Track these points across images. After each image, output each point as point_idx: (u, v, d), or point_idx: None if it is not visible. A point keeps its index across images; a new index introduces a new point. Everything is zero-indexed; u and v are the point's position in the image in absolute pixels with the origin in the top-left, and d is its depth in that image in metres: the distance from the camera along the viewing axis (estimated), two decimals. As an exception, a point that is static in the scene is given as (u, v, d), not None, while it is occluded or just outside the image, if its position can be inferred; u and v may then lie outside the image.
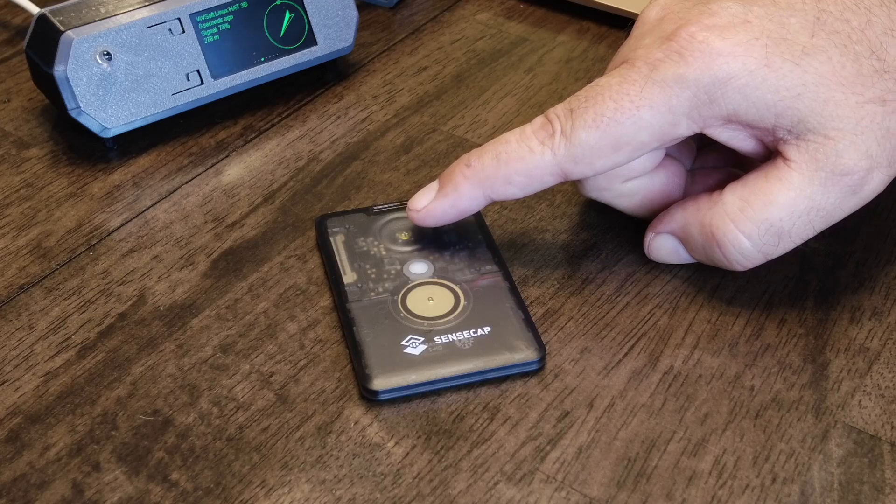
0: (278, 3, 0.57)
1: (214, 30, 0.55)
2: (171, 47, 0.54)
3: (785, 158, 0.43)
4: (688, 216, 0.46)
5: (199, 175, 0.54)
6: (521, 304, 0.45)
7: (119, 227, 0.51)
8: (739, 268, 0.45)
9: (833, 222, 0.44)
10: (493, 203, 0.52)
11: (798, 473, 0.40)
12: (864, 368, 0.44)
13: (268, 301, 0.47)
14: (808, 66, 0.42)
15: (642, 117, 0.43)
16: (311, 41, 0.58)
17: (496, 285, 0.46)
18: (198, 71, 0.55)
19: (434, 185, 0.47)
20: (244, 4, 0.56)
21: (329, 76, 0.61)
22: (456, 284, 0.47)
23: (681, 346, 0.45)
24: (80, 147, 0.56)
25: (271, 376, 0.44)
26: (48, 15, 0.53)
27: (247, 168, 0.55)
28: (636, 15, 0.64)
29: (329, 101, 0.59)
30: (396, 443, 0.41)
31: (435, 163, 0.55)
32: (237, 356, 0.45)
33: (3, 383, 0.44)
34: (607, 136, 0.43)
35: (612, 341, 0.45)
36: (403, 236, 0.49)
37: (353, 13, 0.59)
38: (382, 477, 0.40)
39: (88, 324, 0.46)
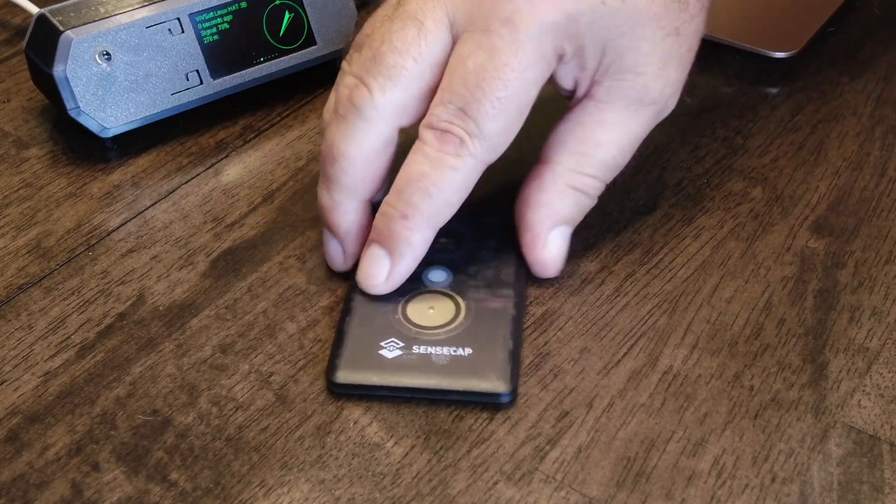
0: (277, 3, 0.57)
1: (214, 30, 0.55)
2: (170, 47, 0.54)
3: (598, 101, 0.46)
4: (552, 198, 0.47)
5: (198, 175, 0.54)
6: (516, 336, 0.44)
7: (118, 227, 0.51)
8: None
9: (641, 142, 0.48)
10: (492, 204, 0.52)
11: (797, 473, 0.40)
12: (864, 368, 0.44)
13: (267, 301, 0.47)
14: (629, 4, 0.44)
15: (527, 78, 0.43)
16: (311, 41, 0.58)
17: (503, 311, 0.45)
18: (197, 71, 0.55)
19: (377, 252, 0.45)
20: (243, 4, 0.56)
21: (328, 76, 0.61)
22: (464, 300, 0.46)
23: (680, 346, 0.45)
24: (80, 147, 0.56)
25: (271, 376, 0.44)
26: (48, 15, 0.53)
27: (246, 168, 0.55)
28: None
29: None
30: (396, 443, 0.41)
31: (434, 163, 0.54)
32: (236, 356, 0.45)
33: (2, 383, 0.44)
34: (510, 112, 0.43)
35: (612, 341, 0.45)
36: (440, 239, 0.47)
37: (353, 13, 0.59)
38: (382, 477, 0.40)
39: (88, 324, 0.46)
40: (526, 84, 0.43)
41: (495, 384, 0.42)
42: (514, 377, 0.43)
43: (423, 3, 0.44)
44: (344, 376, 0.43)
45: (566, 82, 0.46)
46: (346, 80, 0.45)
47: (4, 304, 0.47)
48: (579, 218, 0.48)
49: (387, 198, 0.45)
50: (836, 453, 0.41)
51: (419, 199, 0.44)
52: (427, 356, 0.43)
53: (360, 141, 0.45)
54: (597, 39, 0.44)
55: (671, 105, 0.47)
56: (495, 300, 0.46)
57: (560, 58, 0.44)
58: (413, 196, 0.44)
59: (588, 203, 0.48)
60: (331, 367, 0.43)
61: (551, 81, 0.46)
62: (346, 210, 0.46)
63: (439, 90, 0.44)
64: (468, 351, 0.44)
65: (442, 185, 0.44)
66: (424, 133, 0.44)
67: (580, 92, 0.46)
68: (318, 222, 0.51)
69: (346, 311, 0.45)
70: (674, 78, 0.46)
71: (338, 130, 0.45)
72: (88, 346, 0.45)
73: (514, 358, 0.43)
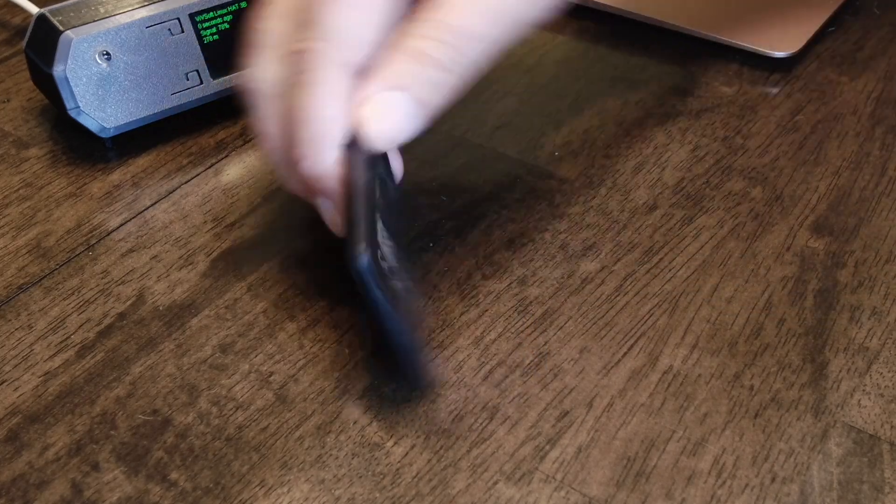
0: (278, 2, 0.57)
1: (214, 30, 0.56)
2: (170, 47, 0.54)
3: None
4: (391, 58, 0.42)
5: (198, 175, 0.54)
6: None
7: (118, 227, 0.51)
8: (456, 81, 0.42)
9: (525, 24, 0.43)
10: (493, 203, 0.52)
11: (797, 473, 0.40)
12: (864, 368, 0.44)
13: (267, 301, 0.47)
14: None
15: None
16: (311, 41, 0.58)
17: None
18: (197, 71, 0.56)
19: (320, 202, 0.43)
20: (243, 4, 0.56)
21: (328, 76, 0.61)
22: None
23: (680, 346, 0.45)
24: (80, 147, 0.56)
25: (270, 376, 0.44)
26: (47, 15, 0.53)
27: (246, 168, 0.55)
28: (636, 15, 0.64)
29: (328, 101, 0.59)
30: (396, 442, 0.41)
31: (434, 163, 0.54)
32: (236, 356, 0.45)
33: (2, 383, 0.44)
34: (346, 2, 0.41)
35: (612, 341, 0.45)
36: None
37: (353, 13, 0.59)
38: (382, 476, 0.40)
39: (88, 323, 0.46)
40: None
41: None
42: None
43: None
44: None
45: None
46: None
47: (4, 304, 0.47)
48: (426, 92, 0.42)
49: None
50: (836, 453, 0.41)
51: (299, 132, 0.42)
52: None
53: None
54: None
55: None
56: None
57: None
58: (293, 134, 0.42)
59: (439, 76, 0.41)
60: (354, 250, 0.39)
61: None
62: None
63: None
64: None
65: (313, 106, 0.41)
66: (280, 67, 0.43)
67: None
68: (318, 222, 0.51)
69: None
70: None
71: None
72: (88, 346, 0.45)
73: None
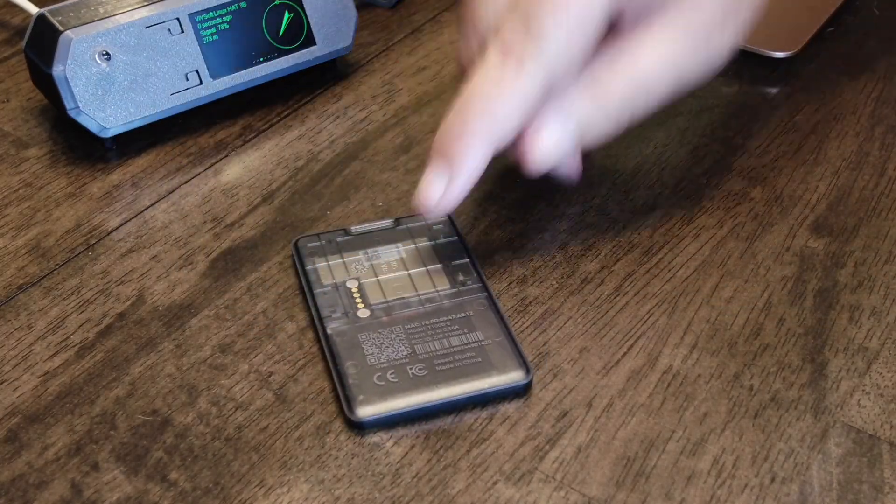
0: (277, 3, 0.57)
1: (213, 30, 0.55)
2: (169, 47, 0.54)
3: (647, 23, 0.45)
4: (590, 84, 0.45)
5: (197, 175, 0.54)
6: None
7: (118, 227, 0.51)
8: (614, 129, 0.46)
9: (692, 85, 0.47)
10: (492, 203, 0.52)
11: (797, 473, 0.40)
12: (864, 368, 0.44)
13: (267, 301, 0.47)
14: None
15: None
16: (310, 41, 0.58)
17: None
18: (196, 71, 0.55)
19: (434, 172, 0.45)
20: (243, 4, 0.56)
21: (328, 76, 0.61)
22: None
23: (680, 346, 0.45)
24: (79, 147, 0.56)
25: (270, 376, 0.44)
26: (47, 15, 0.53)
27: (246, 168, 0.55)
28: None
29: (328, 101, 0.59)
30: (395, 442, 0.41)
31: (434, 163, 0.54)
32: (236, 356, 0.45)
33: (1, 383, 0.44)
34: (572, 27, 0.43)
35: (611, 341, 0.45)
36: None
37: (352, 13, 0.59)
38: (381, 476, 0.40)
39: (87, 324, 0.46)
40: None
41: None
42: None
43: None
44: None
45: (629, 17, 0.45)
46: None
47: (4, 304, 0.47)
48: (585, 128, 0.45)
49: (448, 116, 0.44)
50: (836, 453, 0.41)
51: (476, 117, 0.44)
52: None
53: None
54: None
55: (717, 61, 0.46)
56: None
57: None
58: (471, 114, 0.44)
59: (599, 119, 0.45)
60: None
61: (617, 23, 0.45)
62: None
63: (509, 10, 0.44)
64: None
65: (501, 104, 0.43)
66: (489, 50, 0.44)
67: (635, 20, 0.45)
68: (317, 222, 0.51)
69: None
70: (729, 30, 0.46)
71: None
72: (88, 346, 0.45)
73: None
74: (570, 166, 0.48)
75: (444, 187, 0.44)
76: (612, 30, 0.45)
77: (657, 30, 0.45)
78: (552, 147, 0.45)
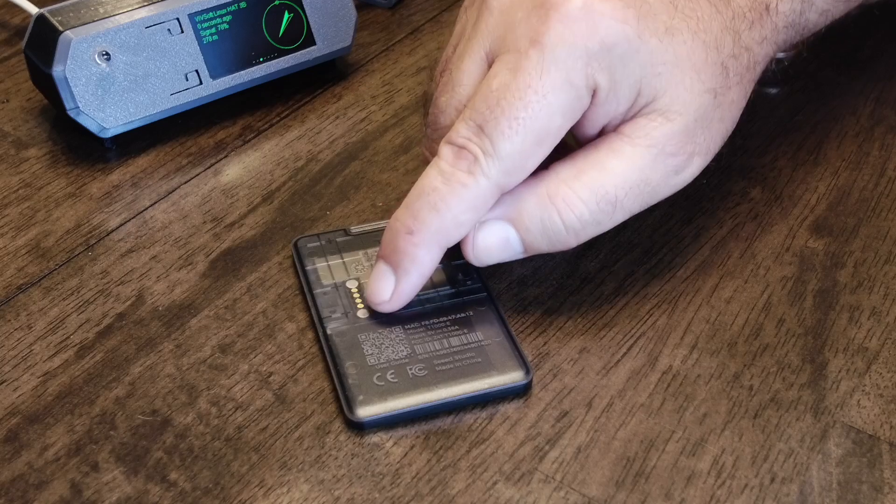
0: (277, 3, 0.57)
1: (213, 30, 0.55)
2: (169, 47, 0.54)
3: (620, 133, 0.44)
4: (521, 193, 0.44)
5: (197, 175, 0.54)
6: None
7: (118, 228, 0.51)
8: (573, 241, 0.44)
9: (658, 199, 0.45)
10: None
11: (797, 473, 0.40)
12: (863, 368, 0.44)
13: (266, 301, 0.47)
14: (669, 46, 0.43)
15: (551, 103, 0.42)
16: (310, 41, 0.58)
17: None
18: (196, 71, 0.55)
19: (383, 268, 0.44)
20: (243, 4, 0.56)
21: (328, 76, 0.61)
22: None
23: (679, 346, 0.45)
24: (79, 147, 0.56)
25: (270, 376, 0.44)
26: (47, 15, 0.53)
27: (245, 168, 0.55)
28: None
29: (328, 102, 0.59)
30: (395, 442, 0.41)
31: (434, 163, 0.54)
32: (236, 356, 0.45)
33: (1, 383, 0.44)
34: (527, 135, 0.42)
35: (611, 341, 0.45)
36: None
37: (352, 13, 0.59)
38: (381, 477, 0.40)
39: (87, 324, 0.46)
40: (549, 109, 0.42)
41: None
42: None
43: (466, 41, 0.45)
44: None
45: (596, 124, 0.44)
46: None
47: (4, 305, 0.47)
48: (534, 237, 0.44)
49: (396, 212, 0.44)
50: (836, 453, 0.41)
51: (426, 214, 0.43)
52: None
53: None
54: (631, 75, 0.42)
55: (692, 167, 0.45)
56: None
57: (594, 93, 0.43)
58: (421, 210, 0.43)
59: (555, 228, 0.44)
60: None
61: (579, 126, 0.44)
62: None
63: (465, 108, 0.43)
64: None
65: (451, 202, 0.43)
66: (442, 148, 0.43)
67: (608, 128, 0.45)
68: (317, 222, 0.51)
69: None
70: (702, 139, 0.44)
71: None
72: (88, 347, 0.45)
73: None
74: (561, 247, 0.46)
75: (393, 286, 0.44)
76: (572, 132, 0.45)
77: (626, 141, 0.44)
78: (491, 248, 0.45)
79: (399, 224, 0.43)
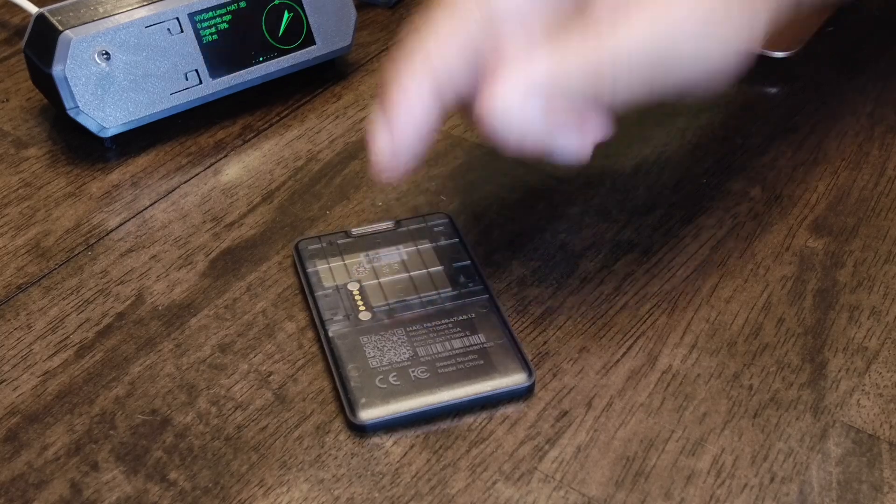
0: (277, 2, 0.57)
1: (213, 29, 0.55)
2: (169, 47, 0.54)
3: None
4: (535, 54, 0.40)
5: (197, 175, 0.54)
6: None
7: (117, 227, 0.51)
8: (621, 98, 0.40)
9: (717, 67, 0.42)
10: (492, 203, 0.52)
11: (797, 473, 0.40)
12: (863, 368, 0.44)
13: (266, 301, 0.47)
14: None
15: None
16: (310, 41, 0.58)
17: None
18: (196, 71, 0.55)
19: (377, 120, 0.41)
20: (242, 4, 0.56)
21: (328, 76, 0.61)
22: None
23: (679, 346, 0.45)
24: (79, 147, 0.56)
25: (270, 376, 0.44)
26: (47, 14, 0.53)
27: (245, 168, 0.55)
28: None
29: (328, 101, 0.59)
30: (395, 442, 0.41)
31: (434, 162, 0.54)
32: (235, 356, 0.45)
33: (1, 383, 0.44)
34: None
35: (611, 341, 0.45)
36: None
37: (352, 13, 0.59)
38: (381, 476, 0.40)
39: (87, 323, 0.46)
40: None
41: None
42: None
43: None
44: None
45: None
46: None
47: (3, 304, 0.47)
48: (561, 101, 0.40)
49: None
50: (836, 453, 0.41)
51: (410, 56, 0.41)
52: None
53: None
54: None
55: (735, 43, 0.41)
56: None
57: None
58: (406, 54, 0.41)
59: (579, 85, 0.40)
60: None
61: None
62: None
63: None
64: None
65: (432, 38, 0.41)
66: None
67: None
68: (317, 221, 0.51)
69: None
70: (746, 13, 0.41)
71: None
72: (87, 346, 0.45)
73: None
74: (576, 145, 0.42)
75: (389, 137, 0.41)
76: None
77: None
78: (514, 101, 0.39)
79: (389, 74, 0.42)
